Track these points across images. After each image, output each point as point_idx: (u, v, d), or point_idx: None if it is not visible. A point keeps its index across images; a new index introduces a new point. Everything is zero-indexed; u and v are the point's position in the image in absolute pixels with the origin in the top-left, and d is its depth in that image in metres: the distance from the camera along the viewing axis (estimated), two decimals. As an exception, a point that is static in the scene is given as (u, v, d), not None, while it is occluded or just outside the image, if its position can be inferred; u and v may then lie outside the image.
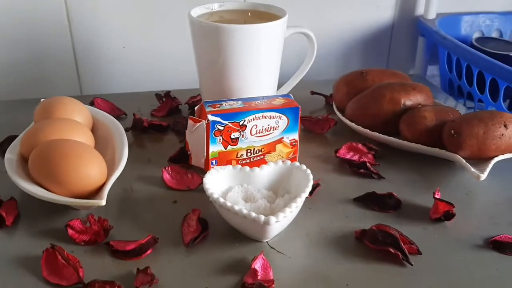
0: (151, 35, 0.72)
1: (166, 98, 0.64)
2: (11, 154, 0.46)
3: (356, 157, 0.52)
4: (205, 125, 0.46)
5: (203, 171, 0.49)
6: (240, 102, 0.49)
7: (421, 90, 0.55)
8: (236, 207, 0.37)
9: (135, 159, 0.51)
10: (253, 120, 0.48)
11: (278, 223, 0.37)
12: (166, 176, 0.48)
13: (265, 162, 0.50)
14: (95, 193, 0.43)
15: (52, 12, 0.68)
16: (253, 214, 0.37)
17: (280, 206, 0.40)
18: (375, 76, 0.59)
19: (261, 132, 0.49)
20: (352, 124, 0.55)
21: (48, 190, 0.42)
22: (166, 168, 0.48)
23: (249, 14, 0.58)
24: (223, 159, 0.49)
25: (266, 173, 0.43)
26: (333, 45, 0.78)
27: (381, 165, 0.51)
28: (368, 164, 0.49)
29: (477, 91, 0.67)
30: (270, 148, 0.50)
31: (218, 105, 0.48)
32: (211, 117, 0.46)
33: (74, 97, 0.69)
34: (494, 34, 0.83)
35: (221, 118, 0.47)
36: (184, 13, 0.69)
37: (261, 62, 0.53)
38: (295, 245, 0.40)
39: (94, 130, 0.53)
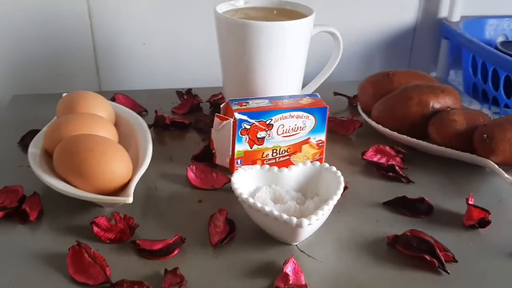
0: (171, 32, 0.71)
1: (187, 96, 0.63)
2: (34, 148, 0.45)
3: (383, 160, 0.51)
4: (232, 123, 0.45)
5: (227, 170, 0.48)
6: (267, 101, 0.48)
7: (450, 92, 0.54)
8: (267, 208, 0.36)
9: (157, 157, 0.50)
10: (280, 119, 0.47)
11: (310, 226, 0.36)
12: (191, 174, 0.47)
13: (291, 163, 0.49)
14: (120, 190, 0.42)
15: (74, 8, 0.67)
16: (285, 216, 0.36)
17: (310, 209, 0.39)
18: (401, 78, 0.57)
19: (288, 132, 0.48)
20: (379, 127, 0.54)
21: (73, 185, 0.41)
22: (191, 166, 0.48)
23: (275, 12, 0.57)
24: (248, 159, 0.48)
25: (294, 174, 0.42)
26: (355, 46, 0.77)
27: (409, 169, 0.50)
28: (397, 168, 0.48)
29: (504, 95, 0.66)
30: (296, 148, 0.49)
31: (245, 103, 0.47)
32: (238, 115, 0.45)
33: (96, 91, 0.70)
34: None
35: (248, 117, 0.46)
36: (206, 9, 0.69)
37: (287, 61, 0.52)
38: (325, 249, 0.39)
39: (116, 125, 0.52)
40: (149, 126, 0.55)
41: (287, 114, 0.47)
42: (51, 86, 0.70)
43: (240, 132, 0.46)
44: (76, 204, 0.42)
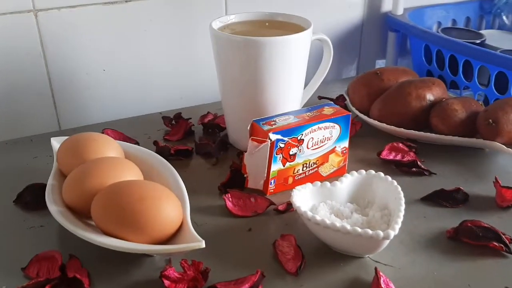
0: (132, 54, 0.66)
1: (177, 121, 0.60)
2: (56, 206, 0.40)
3: (399, 157, 0.52)
4: (269, 145, 0.44)
5: (260, 192, 0.47)
6: (292, 117, 0.47)
7: (439, 84, 0.57)
8: (348, 226, 0.36)
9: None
10: (310, 133, 0.46)
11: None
12: (229, 204, 0.45)
13: (319, 175, 0.49)
14: (174, 235, 0.39)
15: (24, 39, 0.60)
16: (370, 231, 0.36)
17: (377, 218, 0.39)
18: (389, 75, 0.60)
19: (317, 144, 0.47)
20: (383, 125, 0.56)
21: (124, 239, 0.37)
22: (227, 195, 0.45)
23: (267, 24, 0.56)
24: (281, 177, 0.47)
25: (345, 186, 0.42)
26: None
27: (425, 161, 0.52)
28: (418, 162, 0.50)
29: (463, 78, 0.71)
30: (324, 159, 0.49)
31: (273, 122, 0.46)
32: (273, 136, 0.44)
33: (54, 133, 0.63)
34: (450, 24, 0.89)
35: (282, 135, 0.45)
36: (168, 24, 0.66)
37: (291, 75, 0.52)
38: (395, 255, 0.40)
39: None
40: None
41: (316, 126, 0.46)
42: (4, 131, 0.62)
43: (276, 152, 0.45)
44: (121, 259, 0.38)
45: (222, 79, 0.53)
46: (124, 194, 0.37)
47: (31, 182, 0.47)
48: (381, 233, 0.36)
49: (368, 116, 0.58)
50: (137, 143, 0.57)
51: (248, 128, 0.46)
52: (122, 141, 0.55)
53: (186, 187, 0.48)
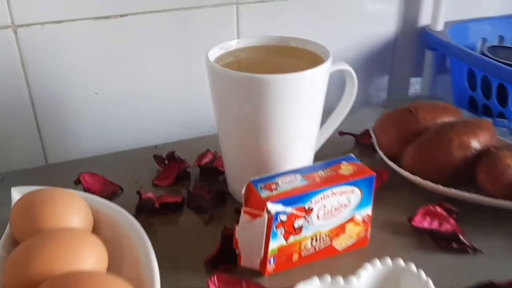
0: (128, 76, 0.57)
1: (170, 161, 0.51)
2: (-9, 295, 0.32)
3: (435, 225, 0.42)
4: (266, 220, 0.35)
5: (257, 273, 0.37)
6: (299, 177, 0.37)
7: (486, 127, 0.47)
8: None
9: (158, 263, 0.38)
10: (321, 200, 0.36)
11: None
12: (215, 289, 0.36)
13: (333, 249, 0.39)
14: None
15: (3, 60, 0.52)
16: None
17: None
18: (425, 114, 0.49)
19: (330, 213, 0.37)
20: (417, 179, 0.45)
21: None
22: (212, 279, 0.36)
23: (276, 51, 0.46)
24: (283, 254, 0.37)
25: (364, 282, 0.32)
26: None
27: (466, 231, 0.42)
28: (461, 237, 0.40)
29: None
30: (339, 230, 0.39)
31: (274, 185, 0.36)
32: (273, 207, 0.35)
33: (41, 168, 0.55)
34: (497, 41, 0.77)
35: (284, 205, 0.35)
36: (170, 43, 0.57)
37: (303, 119, 0.42)
38: None
39: (95, 231, 0.39)
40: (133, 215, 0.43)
41: (329, 192, 0.37)
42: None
43: (276, 226, 0.35)
44: None
45: (219, 119, 0.44)
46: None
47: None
48: None
49: (398, 165, 0.47)
50: (120, 189, 0.48)
51: (243, 191, 0.37)
52: (100, 188, 0.47)
53: (167, 256, 0.40)
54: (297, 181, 0.37)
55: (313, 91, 0.41)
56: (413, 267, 0.32)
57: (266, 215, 0.34)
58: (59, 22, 0.53)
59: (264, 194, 0.35)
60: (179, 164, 0.50)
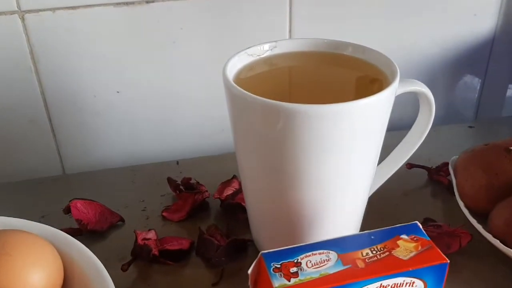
0: (155, 73, 0.48)
1: (185, 190, 0.41)
2: None
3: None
4: (275, 326, 0.24)
5: None
6: (334, 256, 0.26)
7: None
8: None
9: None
10: (363, 294, 0.25)
11: None
12: None
13: None
14: None
15: (10, 52, 0.44)
16: None
17: None
18: (530, 155, 0.35)
19: (376, 312, 0.26)
20: (509, 251, 0.32)
21: None
22: None
23: (326, 59, 0.34)
24: None
25: None
26: (412, 70, 0.55)
27: None
28: None
29: None
30: (389, 331, 0.27)
31: (294, 267, 0.25)
32: (286, 307, 0.24)
33: (55, 177, 0.48)
34: None
35: (304, 304, 0.24)
36: (205, 37, 0.47)
37: (353, 159, 0.30)
38: None
39: (66, 285, 0.30)
40: (125, 267, 0.34)
41: (377, 285, 0.25)
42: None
43: (291, 332, 0.24)
44: None
45: (238, 151, 0.33)
46: None
47: None
48: None
49: (485, 226, 0.34)
50: (121, 220, 0.39)
51: (250, 270, 0.26)
52: (96, 218, 0.38)
53: None
54: (329, 264, 0.25)
55: (368, 126, 0.29)
56: None
57: (274, 321, 0.23)
58: (73, 8, 0.44)
59: (278, 282, 0.24)
60: (195, 195, 0.40)
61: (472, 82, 0.59)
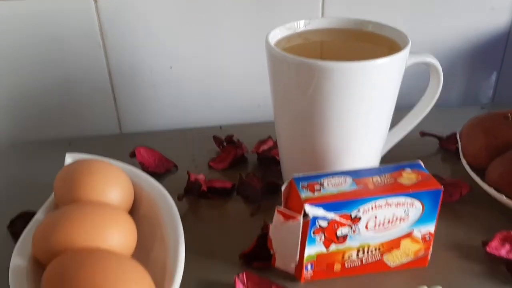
0: (206, 50, 0.56)
1: (227, 145, 0.48)
2: (20, 258, 0.32)
3: (516, 255, 0.35)
4: (301, 224, 0.31)
5: (293, 278, 0.34)
6: (349, 180, 0.33)
7: None
8: None
9: (194, 248, 0.36)
10: (372, 209, 0.32)
11: None
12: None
13: (384, 264, 0.34)
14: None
15: (83, 31, 0.53)
16: None
17: None
18: (526, 121, 0.41)
19: (382, 226, 0.32)
20: (502, 197, 0.38)
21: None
22: (240, 276, 0.33)
23: (350, 35, 0.41)
24: (323, 262, 0.33)
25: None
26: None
27: (556, 268, 0.34)
28: (545, 275, 0.33)
29: None
30: (393, 245, 0.34)
31: (317, 185, 0.32)
32: (310, 210, 0.31)
33: (113, 136, 0.56)
34: None
35: (325, 210, 0.31)
36: (250, 19, 0.54)
37: (371, 113, 0.37)
38: None
39: (135, 207, 0.38)
40: (180, 197, 0.41)
41: (383, 201, 0.32)
42: (56, 130, 0.56)
43: (313, 232, 0.31)
44: None
45: (276, 106, 0.40)
46: (73, 277, 0.27)
47: (38, 204, 0.40)
48: None
49: (483, 179, 0.40)
50: (175, 166, 0.47)
51: (283, 188, 0.33)
52: (155, 164, 0.46)
53: (204, 242, 0.38)
54: (345, 185, 0.32)
55: (383, 84, 0.36)
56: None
57: (301, 219, 0.30)
58: (137, -11, 0.52)
59: (304, 194, 0.31)
60: (236, 149, 0.47)
61: (489, 73, 0.64)
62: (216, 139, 0.49)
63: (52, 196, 0.38)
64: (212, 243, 0.38)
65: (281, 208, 0.32)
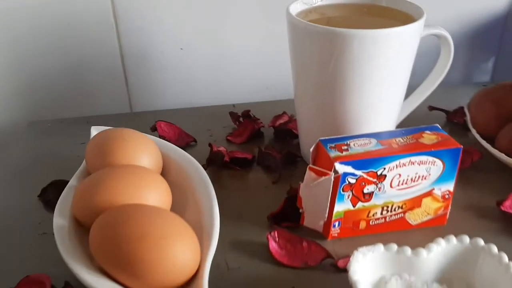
0: (216, 32, 0.57)
1: (244, 119, 0.50)
2: (61, 218, 0.33)
3: (528, 212, 0.37)
4: (333, 180, 0.32)
5: (320, 236, 0.36)
6: (374, 141, 0.35)
7: None
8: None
9: (220, 212, 0.38)
10: (397, 167, 0.34)
11: None
12: (273, 245, 0.34)
13: (405, 222, 0.36)
14: (185, 285, 0.29)
15: (96, 12, 0.54)
16: None
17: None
18: (532, 91, 0.44)
19: (405, 183, 0.34)
20: (510, 160, 0.40)
21: (119, 283, 0.29)
22: (272, 233, 0.35)
23: (365, 9, 0.43)
24: (349, 220, 0.35)
25: (435, 257, 0.29)
26: (428, 41, 0.63)
27: None
28: (558, 228, 0.35)
29: None
30: (414, 203, 0.35)
31: (345, 146, 0.34)
32: (340, 168, 0.32)
33: (124, 114, 0.58)
34: None
35: (353, 167, 0.33)
36: (261, 4, 0.56)
37: (387, 82, 0.38)
38: None
39: (164, 174, 0.39)
40: (204, 167, 0.43)
41: (407, 160, 0.33)
42: (70, 109, 0.57)
43: (342, 189, 0.33)
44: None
45: (296, 78, 0.42)
46: (123, 228, 0.28)
47: (65, 174, 0.41)
48: None
49: (493, 145, 0.43)
50: (194, 141, 0.48)
51: (311, 149, 0.35)
52: (175, 137, 0.47)
53: (229, 208, 0.39)
54: (371, 145, 0.34)
55: (401, 52, 0.38)
56: (494, 248, 0.29)
57: (332, 175, 0.32)
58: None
59: (333, 153, 0.33)
60: (253, 123, 0.49)
61: (488, 55, 0.66)
62: (232, 114, 0.51)
63: (83, 164, 0.39)
64: (238, 208, 0.39)
65: (313, 166, 0.33)
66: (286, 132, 0.48)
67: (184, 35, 0.57)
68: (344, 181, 0.33)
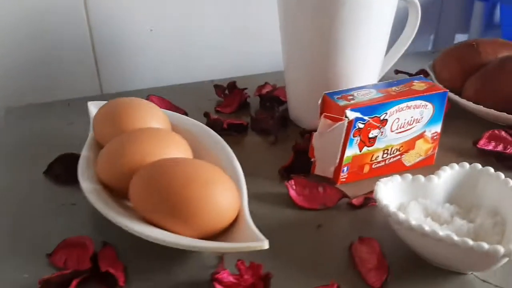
0: (183, 12, 0.59)
1: (232, 90, 0.52)
2: (90, 183, 0.34)
3: (500, 148, 0.43)
4: (346, 125, 0.36)
5: (330, 182, 0.39)
6: (374, 91, 0.38)
7: (549, 60, 0.47)
8: (455, 236, 0.28)
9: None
10: (396, 112, 0.38)
11: (510, 252, 0.28)
12: (293, 193, 0.37)
13: (401, 164, 0.40)
14: (228, 228, 0.31)
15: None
16: (485, 246, 0.27)
17: (487, 227, 0.31)
18: (487, 48, 0.50)
19: (403, 127, 0.39)
20: (480, 108, 0.46)
21: (166, 230, 0.30)
22: (290, 182, 0.37)
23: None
24: (355, 165, 0.39)
25: (444, 182, 0.34)
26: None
27: (531, 155, 0.43)
28: (527, 156, 0.41)
29: None
30: (409, 145, 0.40)
31: (350, 97, 0.37)
32: (351, 114, 0.36)
33: (95, 97, 0.57)
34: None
35: (362, 113, 0.36)
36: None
37: (372, 40, 0.43)
38: (508, 275, 0.31)
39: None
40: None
41: (404, 105, 0.38)
42: (40, 93, 0.56)
43: (353, 134, 0.37)
44: (163, 253, 0.32)
45: (287, 43, 0.45)
46: (168, 176, 0.30)
47: (64, 151, 0.41)
48: (501, 249, 0.27)
49: (460, 96, 0.48)
50: (185, 114, 0.50)
51: (319, 102, 0.38)
52: (168, 108, 0.48)
53: (242, 168, 0.41)
54: (372, 94, 0.38)
55: (383, 13, 0.42)
56: (491, 169, 0.34)
57: (346, 120, 0.36)
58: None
59: (342, 103, 0.37)
60: (241, 93, 0.51)
61: (429, 29, 0.73)
62: (217, 87, 0.53)
63: (90, 135, 0.40)
64: (247, 167, 0.42)
65: (327, 114, 0.36)
66: (274, 99, 0.51)
67: (154, 16, 0.57)
68: (355, 126, 0.36)
